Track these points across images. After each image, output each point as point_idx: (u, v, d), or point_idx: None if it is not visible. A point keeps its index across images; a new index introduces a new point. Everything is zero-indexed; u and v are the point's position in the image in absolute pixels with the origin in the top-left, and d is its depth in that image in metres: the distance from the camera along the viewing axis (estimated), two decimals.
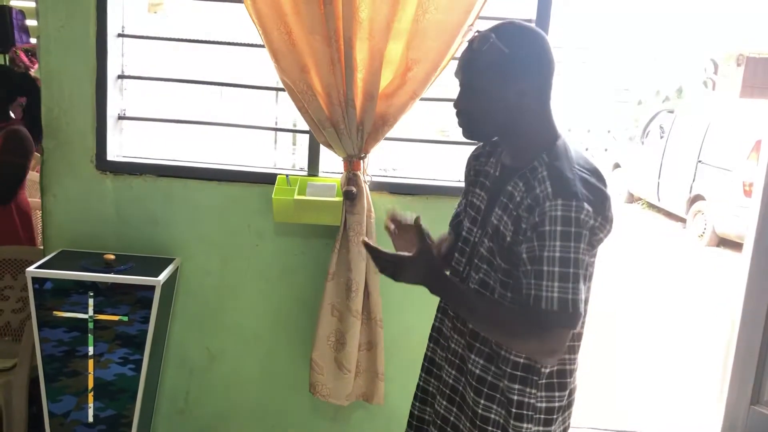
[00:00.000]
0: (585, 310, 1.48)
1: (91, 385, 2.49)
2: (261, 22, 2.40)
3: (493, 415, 1.56)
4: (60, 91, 2.64)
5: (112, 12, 2.61)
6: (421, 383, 1.82)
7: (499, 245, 1.53)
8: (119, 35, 2.68)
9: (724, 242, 8.29)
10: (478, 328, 1.55)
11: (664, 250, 8.22)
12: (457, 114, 1.58)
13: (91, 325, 2.45)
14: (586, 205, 1.40)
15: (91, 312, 2.44)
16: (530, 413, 1.53)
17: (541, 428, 1.55)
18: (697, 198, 8.75)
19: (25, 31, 6.00)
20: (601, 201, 1.44)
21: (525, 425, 1.53)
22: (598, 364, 4.44)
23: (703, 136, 8.82)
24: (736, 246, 8.06)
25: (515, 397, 1.53)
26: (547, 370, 1.54)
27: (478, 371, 1.59)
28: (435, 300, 2.64)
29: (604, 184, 1.48)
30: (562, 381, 1.57)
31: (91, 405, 2.50)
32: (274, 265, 2.75)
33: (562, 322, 1.40)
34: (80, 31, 2.59)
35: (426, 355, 1.81)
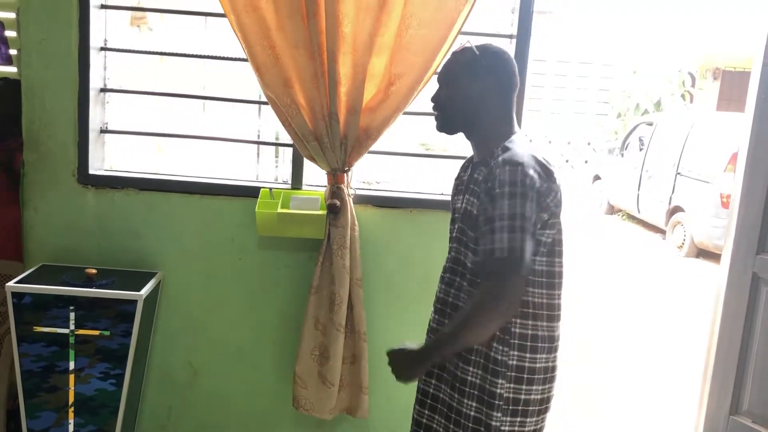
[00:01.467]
0: (561, 282, 1.74)
1: (72, 400, 2.46)
2: (244, 37, 2.41)
3: (470, 377, 1.74)
4: (41, 104, 2.62)
5: (94, 25, 2.61)
6: (421, 386, 1.94)
7: (468, 222, 1.76)
8: (102, 48, 2.68)
9: (702, 253, 8.38)
10: (476, 336, 1.69)
11: (643, 261, 8.29)
12: (433, 108, 1.87)
13: (72, 340, 2.42)
14: (530, 171, 1.64)
15: (72, 326, 2.42)
16: (503, 370, 1.70)
17: (513, 385, 1.71)
18: (676, 209, 8.84)
19: (4, 42, 5.96)
20: (545, 170, 1.68)
21: (500, 381, 1.70)
22: (579, 372, 4.46)
23: (682, 148, 8.93)
24: (714, 256, 8.15)
25: (491, 354, 1.71)
26: (517, 330, 1.71)
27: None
28: (418, 314, 2.67)
29: (551, 165, 1.72)
30: (534, 345, 1.72)
31: (71, 421, 2.47)
32: (257, 278, 2.74)
33: (512, 267, 1.58)
34: (62, 44, 2.58)
35: None
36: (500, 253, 1.59)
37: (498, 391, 1.71)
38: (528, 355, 1.71)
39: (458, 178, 1.97)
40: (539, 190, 1.64)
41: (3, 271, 2.77)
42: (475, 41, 1.85)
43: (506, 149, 1.71)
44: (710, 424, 3.14)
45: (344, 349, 2.56)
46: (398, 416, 2.69)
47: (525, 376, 1.71)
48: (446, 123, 1.87)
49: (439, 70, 1.87)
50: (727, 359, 3.07)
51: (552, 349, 1.76)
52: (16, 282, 2.45)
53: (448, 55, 1.88)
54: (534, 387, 1.73)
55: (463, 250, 1.79)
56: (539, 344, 1.73)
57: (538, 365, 1.73)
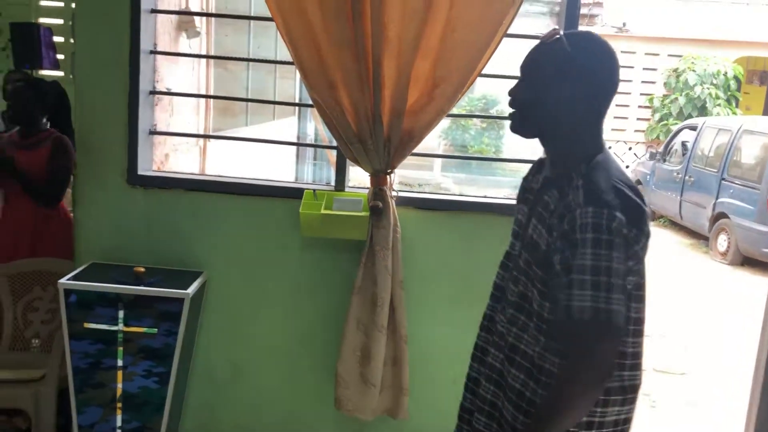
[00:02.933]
0: (639, 330, 1.46)
1: (119, 397, 2.51)
2: (291, 39, 2.44)
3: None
4: (93, 106, 2.69)
5: (144, 29, 2.66)
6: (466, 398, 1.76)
7: (535, 255, 1.50)
8: (151, 52, 2.74)
9: (748, 261, 8.18)
10: (572, 420, 1.41)
11: (686, 269, 8.13)
12: (510, 103, 1.58)
13: (120, 337, 2.47)
14: (618, 213, 1.36)
15: (120, 324, 2.47)
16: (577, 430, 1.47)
17: None
18: (720, 216, 8.65)
19: (52, 47, 6.14)
20: (636, 214, 1.40)
21: None
22: None
23: (727, 153, 8.74)
24: (760, 264, 7.96)
25: None
26: None
27: (518, 386, 1.54)
28: (459, 317, 2.66)
29: (642, 200, 1.44)
30: (606, 398, 1.46)
31: (119, 417, 2.52)
32: (300, 279, 2.76)
33: (598, 334, 1.33)
34: (114, 48, 2.65)
35: (469, 374, 1.77)
36: (580, 314, 1.33)
37: None
38: (599, 409, 1.46)
39: (526, 180, 1.71)
40: (627, 236, 1.37)
41: (54, 269, 2.85)
42: (568, 30, 1.62)
43: (588, 179, 1.42)
44: None
45: (386, 351, 2.57)
46: (439, 419, 2.69)
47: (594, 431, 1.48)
48: (521, 125, 1.58)
49: (524, 58, 1.58)
50: None
51: (626, 401, 1.50)
52: (68, 279, 2.51)
53: (537, 44, 1.55)
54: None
55: (531, 287, 1.52)
56: (612, 397, 1.47)
57: (608, 419, 1.48)
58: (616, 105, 13.83)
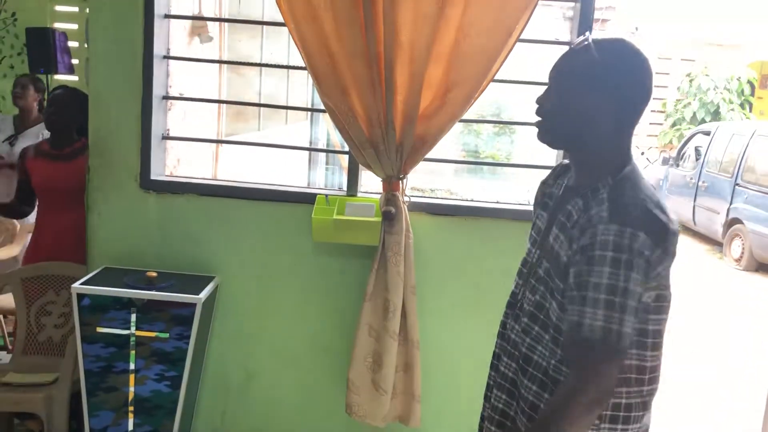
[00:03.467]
0: (659, 343, 1.45)
1: (131, 400, 2.52)
2: (304, 46, 2.44)
3: None
4: (107, 111, 2.70)
5: (158, 35, 2.68)
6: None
7: (555, 265, 1.47)
8: (164, 57, 2.75)
9: (762, 267, 8.11)
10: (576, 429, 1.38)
11: (701, 275, 8.07)
12: (536, 111, 1.54)
13: (132, 341, 2.48)
14: (641, 234, 1.32)
15: (133, 328, 2.48)
16: None
17: None
18: (734, 221, 8.59)
19: (67, 52, 6.20)
20: (661, 233, 1.36)
21: None
22: None
23: (741, 158, 8.68)
24: None
25: None
26: (612, 400, 1.42)
27: (531, 397, 1.52)
28: (471, 323, 2.65)
29: (668, 218, 1.39)
30: (627, 414, 1.45)
31: (130, 420, 2.52)
32: (311, 284, 2.76)
33: (606, 355, 1.31)
34: (128, 54, 2.66)
35: (487, 382, 1.74)
36: (589, 332, 1.31)
37: None
38: (620, 426, 1.45)
39: (545, 185, 1.67)
40: (649, 258, 1.33)
41: (67, 273, 2.87)
42: (597, 36, 1.48)
43: (614, 193, 1.39)
44: None
45: (397, 357, 2.56)
46: (451, 426, 2.68)
47: None
48: (547, 133, 1.53)
49: (553, 64, 1.54)
50: None
51: (640, 418, 1.48)
52: (81, 284, 2.52)
53: (567, 51, 1.52)
54: None
55: (549, 298, 1.49)
56: (633, 413, 1.45)
57: None
58: None
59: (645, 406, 1.47)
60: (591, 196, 1.43)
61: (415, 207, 2.66)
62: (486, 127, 8.20)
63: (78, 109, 3.08)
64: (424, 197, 2.86)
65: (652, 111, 13.75)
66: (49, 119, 3.12)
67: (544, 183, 1.70)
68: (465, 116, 2.53)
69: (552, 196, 1.61)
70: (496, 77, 2.46)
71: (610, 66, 1.43)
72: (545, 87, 1.53)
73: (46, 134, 4.11)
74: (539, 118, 1.53)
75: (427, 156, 2.57)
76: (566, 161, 1.65)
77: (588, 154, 1.49)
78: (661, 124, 13.77)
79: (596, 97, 1.43)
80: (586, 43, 1.44)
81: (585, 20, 2.57)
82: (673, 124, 13.27)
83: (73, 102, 3.09)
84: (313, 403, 2.83)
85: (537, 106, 1.53)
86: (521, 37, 2.42)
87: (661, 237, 1.36)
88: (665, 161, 10.86)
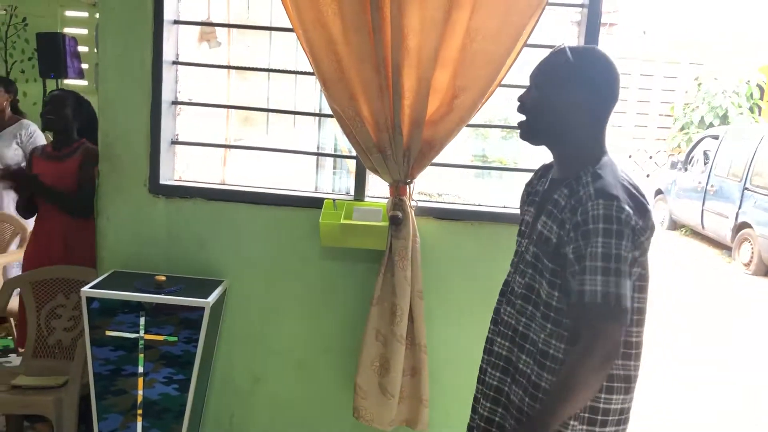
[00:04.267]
0: (642, 319, 1.59)
1: (140, 403, 2.53)
2: (312, 51, 2.45)
3: None
4: (115, 116, 2.72)
5: (167, 40, 2.70)
6: (486, 414, 1.81)
7: (544, 249, 1.62)
8: (174, 62, 2.77)
9: None
10: (581, 398, 1.51)
11: (709, 279, 8.04)
12: (518, 108, 1.70)
13: (141, 345, 2.50)
14: (626, 206, 1.49)
15: (141, 332, 2.49)
16: (583, 414, 1.58)
17: (585, 427, 1.59)
18: (743, 225, 8.55)
19: (77, 56, 6.24)
20: (641, 209, 1.53)
21: (572, 422, 1.58)
22: (649, 393, 4.35)
23: (750, 162, 8.65)
24: None
25: None
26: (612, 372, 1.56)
27: (528, 371, 1.65)
28: (479, 327, 2.65)
29: (645, 199, 1.57)
30: (610, 385, 1.58)
31: (139, 423, 2.54)
32: (319, 288, 2.77)
33: (608, 316, 1.44)
34: (137, 59, 2.68)
35: (480, 366, 1.87)
36: (590, 297, 1.45)
37: None
38: (603, 395, 1.58)
39: (530, 185, 1.83)
40: (634, 227, 1.49)
41: (77, 277, 2.89)
42: (570, 44, 1.66)
43: (597, 176, 1.55)
44: None
45: (404, 361, 2.56)
46: (458, 429, 2.67)
47: (599, 417, 1.59)
48: (529, 131, 1.70)
49: (534, 69, 1.70)
50: None
51: (629, 390, 1.62)
52: (90, 287, 2.54)
53: (546, 56, 1.69)
54: (607, 429, 1.60)
55: (538, 278, 1.65)
56: (615, 384, 1.59)
57: (612, 406, 1.59)
58: (636, 113, 13.75)
59: (629, 380, 1.60)
60: (575, 183, 1.59)
61: (423, 211, 2.67)
62: (494, 131, 8.20)
63: (75, 110, 3.16)
64: (432, 202, 2.86)
65: (660, 115, 13.71)
66: (45, 119, 3.17)
67: (528, 184, 1.86)
68: (472, 120, 2.53)
69: (537, 194, 1.76)
70: (503, 82, 2.47)
71: (584, 70, 1.61)
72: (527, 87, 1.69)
73: (26, 134, 4.21)
74: (522, 117, 1.70)
75: (434, 160, 2.57)
76: (546, 163, 1.81)
77: (568, 147, 1.66)
78: (669, 128, 13.71)
79: (574, 93, 1.61)
80: (563, 47, 1.63)
81: (592, 24, 2.57)
82: (682, 128, 13.21)
83: (70, 103, 3.15)
84: (320, 406, 2.84)
85: (518, 104, 1.70)
86: (529, 42, 2.43)
87: (641, 210, 1.53)
88: (673, 165, 10.82)
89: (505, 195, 2.65)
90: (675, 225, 10.71)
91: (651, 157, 13.38)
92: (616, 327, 1.45)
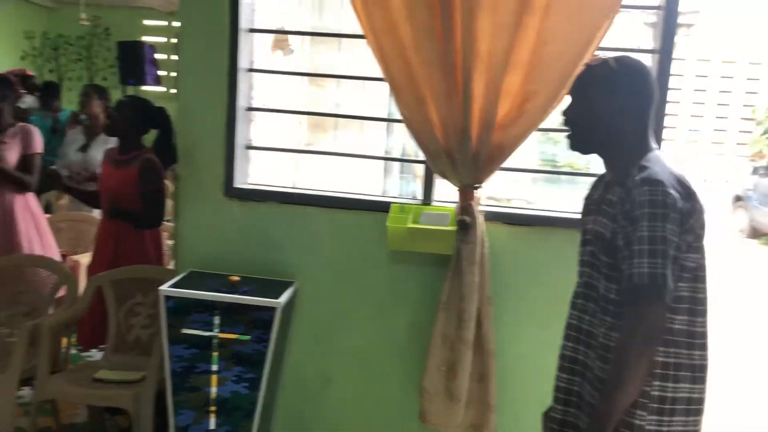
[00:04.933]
0: (704, 309, 1.63)
1: (213, 400, 2.60)
2: (382, 57, 2.48)
3: None
4: (194, 122, 2.82)
5: (242, 48, 2.78)
6: (558, 416, 1.84)
7: (599, 244, 1.69)
8: (249, 70, 2.85)
9: None
10: (633, 377, 1.56)
11: None
12: (564, 123, 1.79)
13: (215, 343, 2.57)
14: (671, 190, 1.55)
15: (216, 330, 2.57)
16: (644, 401, 1.59)
17: (654, 417, 1.60)
18: None
19: (155, 64, 6.49)
20: (687, 192, 1.58)
21: (639, 412, 1.59)
22: (722, 407, 4.18)
23: None
24: None
25: None
26: (660, 359, 1.59)
27: (595, 366, 1.69)
28: (549, 334, 2.61)
29: (691, 183, 1.62)
30: (677, 374, 1.61)
31: (212, 420, 2.61)
32: (387, 291, 2.79)
33: (653, 296, 1.51)
34: (214, 66, 2.77)
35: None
36: (639, 279, 1.52)
37: (637, 422, 1.60)
38: (671, 384, 1.60)
39: (588, 197, 1.88)
40: (681, 210, 1.55)
41: (155, 277, 3.00)
42: (611, 54, 1.75)
43: (643, 168, 1.62)
44: None
45: (472, 366, 2.55)
46: None
47: (667, 407, 1.60)
48: (579, 141, 1.78)
49: (574, 81, 1.80)
50: None
51: (696, 379, 1.63)
52: (168, 286, 2.63)
53: (584, 68, 1.78)
54: (676, 418, 1.61)
55: (596, 275, 1.72)
56: (682, 373, 1.61)
57: (679, 395, 1.61)
58: (716, 117, 13.25)
59: (693, 370, 1.62)
60: (625, 179, 1.65)
61: (491, 216, 2.65)
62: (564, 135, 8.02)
63: (138, 116, 3.18)
64: (500, 207, 2.84)
65: (741, 118, 13.17)
66: (107, 126, 3.27)
67: (586, 197, 1.91)
68: (542, 125, 2.50)
69: (594, 202, 1.82)
70: None
71: (626, 74, 1.70)
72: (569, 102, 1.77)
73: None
74: (569, 130, 1.78)
75: (503, 165, 2.56)
76: (601, 174, 1.86)
77: (616, 150, 1.73)
78: (750, 132, 13.16)
79: (618, 100, 1.69)
80: (603, 58, 1.73)
81: (669, 26, 2.51)
82: (764, 132, 12.65)
83: (130, 109, 3.19)
84: (387, 408, 2.86)
85: (564, 119, 1.79)
86: (601, 45, 2.39)
87: (686, 192, 1.59)
88: (755, 170, 10.38)
89: (576, 201, 2.60)
90: (756, 233, 10.25)
91: (731, 162, 12.87)
92: (658, 307, 1.52)
